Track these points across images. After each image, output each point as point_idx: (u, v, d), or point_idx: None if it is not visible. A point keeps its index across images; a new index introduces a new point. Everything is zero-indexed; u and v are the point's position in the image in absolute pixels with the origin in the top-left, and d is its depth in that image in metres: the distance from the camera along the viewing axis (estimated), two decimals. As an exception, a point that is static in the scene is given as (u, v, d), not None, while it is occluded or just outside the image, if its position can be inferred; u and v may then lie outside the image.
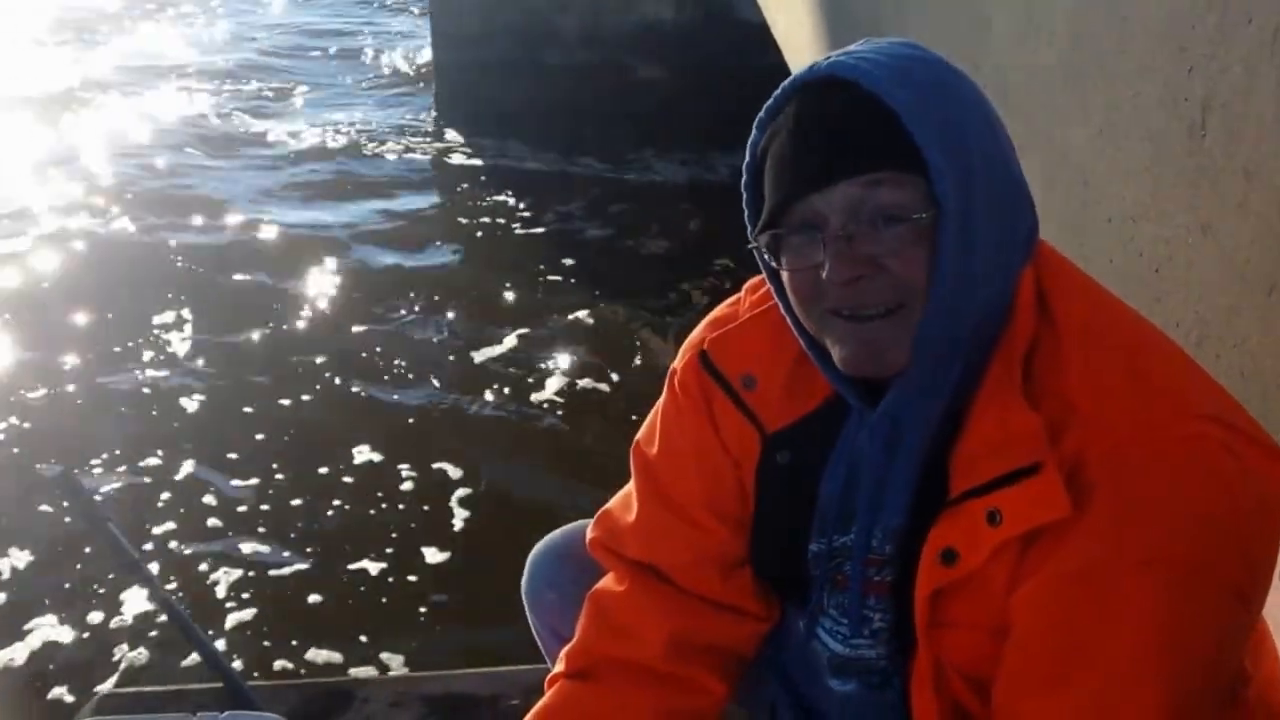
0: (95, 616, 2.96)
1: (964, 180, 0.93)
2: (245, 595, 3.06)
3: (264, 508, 3.45)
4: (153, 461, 3.63)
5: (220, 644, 2.83)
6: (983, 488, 0.94)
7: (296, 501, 3.50)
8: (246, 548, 3.26)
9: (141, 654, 2.83)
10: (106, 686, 2.64)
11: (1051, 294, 1.00)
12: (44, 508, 3.34)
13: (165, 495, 3.47)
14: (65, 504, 3.06)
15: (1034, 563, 0.93)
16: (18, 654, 2.82)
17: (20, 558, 3.16)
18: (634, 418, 3.91)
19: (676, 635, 1.19)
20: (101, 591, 3.03)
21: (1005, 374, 0.96)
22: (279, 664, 2.84)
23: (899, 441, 1.04)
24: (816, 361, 1.06)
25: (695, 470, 1.19)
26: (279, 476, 3.62)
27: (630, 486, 1.27)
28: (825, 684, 1.17)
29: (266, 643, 2.90)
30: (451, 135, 7.30)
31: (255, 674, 2.70)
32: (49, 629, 2.91)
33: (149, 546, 3.19)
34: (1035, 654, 0.93)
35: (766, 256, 1.02)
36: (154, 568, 3.08)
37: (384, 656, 2.89)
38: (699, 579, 1.20)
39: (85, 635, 2.91)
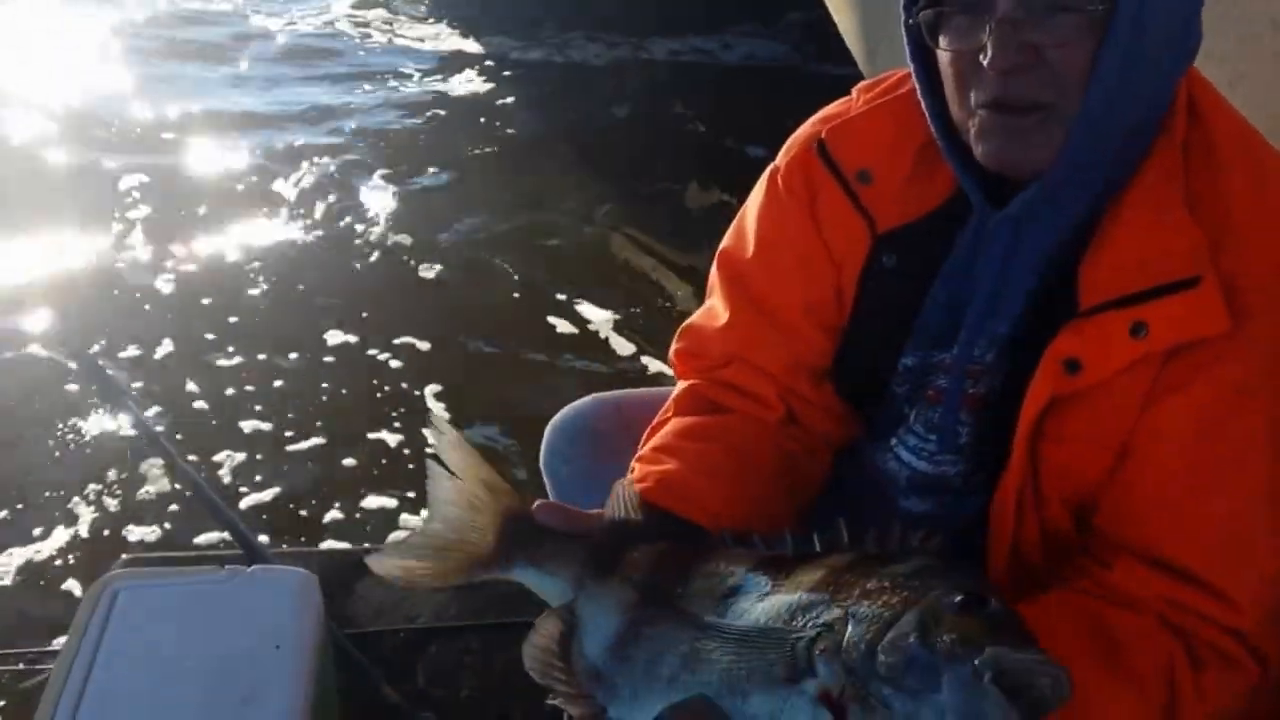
0: (112, 491, 3.00)
1: None
2: (255, 475, 3.09)
3: (262, 393, 3.47)
4: (133, 351, 3.62)
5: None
6: (1128, 299, 0.91)
7: (283, 384, 3.51)
8: (249, 428, 3.28)
9: (158, 528, 2.87)
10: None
11: (1202, 103, 0.96)
12: (65, 385, 3.35)
13: (174, 381, 3.49)
14: (86, 383, 3.12)
15: (1175, 379, 0.91)
16: (37, 529, 2.86)
17: (39, 436, 3.18)
18: (633, 286, 3.90)
19: (789, 407, 1.17)
20: (115, 466, 3.08)
21: (1163, 184, 0.93)
22: (297, 536, 2.88)
23: (1019, 247, 1.01)
24: (945, 152, 1.02)
25: (794, 271, 1.14)
26: (266, 357, 3.62)
27: (713, 299, 1.22)
28: (895, 506, 1.16)
29: (285, 519, 2.94)
30: (441, 20, 7.08)
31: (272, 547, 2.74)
32: (69, 504, 2.94)
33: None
34: (1173, 468, 0.92)
35: (925, 34, 0.96)
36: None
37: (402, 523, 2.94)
38: (793, 383, 1.17)
39: (103, 509, 2.95)
